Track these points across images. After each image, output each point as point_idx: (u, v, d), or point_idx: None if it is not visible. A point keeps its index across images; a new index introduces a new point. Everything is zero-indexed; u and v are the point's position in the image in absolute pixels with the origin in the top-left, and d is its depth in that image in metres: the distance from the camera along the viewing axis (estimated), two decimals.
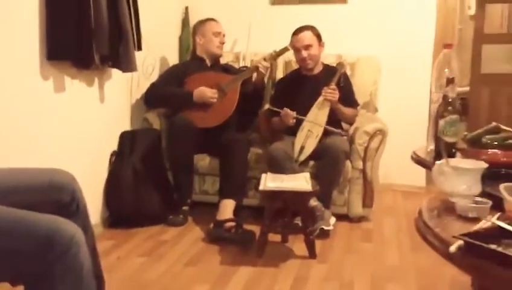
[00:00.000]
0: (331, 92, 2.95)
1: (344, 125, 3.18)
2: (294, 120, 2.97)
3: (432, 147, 1.77)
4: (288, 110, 2.97)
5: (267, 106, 3.16)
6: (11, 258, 1.15)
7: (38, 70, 2.34)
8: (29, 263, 1.15)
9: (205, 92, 3.09)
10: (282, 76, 3.48)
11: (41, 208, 1.25)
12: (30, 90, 2.30)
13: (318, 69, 3.16)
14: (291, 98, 3.08)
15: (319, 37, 3.10)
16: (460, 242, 0.98)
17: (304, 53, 3.06)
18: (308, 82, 3.12)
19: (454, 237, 0.99)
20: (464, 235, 0.99)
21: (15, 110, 2.19)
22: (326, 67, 3.19)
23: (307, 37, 3.06)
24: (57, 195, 1.48)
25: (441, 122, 1.68)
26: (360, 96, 3.27)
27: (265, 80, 3.33)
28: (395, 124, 3.30)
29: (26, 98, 2.26)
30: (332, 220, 2.89)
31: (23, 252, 1.14)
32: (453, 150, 1.68)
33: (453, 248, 0.97)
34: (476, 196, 1.25)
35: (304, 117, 2.98)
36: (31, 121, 2.30)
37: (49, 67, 2.40)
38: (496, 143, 1.75)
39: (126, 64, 2.81)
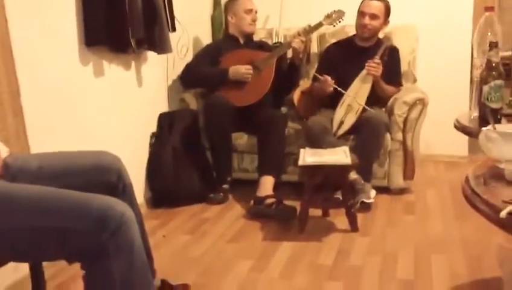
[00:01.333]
0: (374, 66, 2.90)
1: None
2: (332, 88, 2.95)
3: (476, 114, 1.72)
4: (328, 78, 2.95)
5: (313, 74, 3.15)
6: (67, 237, 1.20)
7: (78, 56, 2.40)
8: (84, 241, 1.19)
9: (240, 68, 3.10)
10: (316, 51, 3.43)
11: (90, 189, 1.29)
12: (71, 76, 2.36)
13: (371, 42, 3.09)
14: (337, 65, 3.04)
15: (388, 12, 3.02)
16: (510, 207, 0.96)
17: (367, 20, 2.98)
18: (357, 53, 3.06)
19: (504, 201, 0.98)
20: None
21: (59, 96, 2.25)
22: (378, 40, 3.11)
23: (376, 6, 2.98)
24: (104, 176, 1.53)
25: (485, 88, 1.63)
26: None
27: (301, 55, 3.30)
28: (435, 93, 3.21)
29: (68, 84, 2.32)
30: (373, 193, 2.87)
31: (78, 231, 1.19)
32: (498, 116, 1.64)
33: (503, 213, 0.96)
34: None
35: (343, 90, 2.94)
36: (74, 105, 2.36)
37: (88, 53, 2.45)
38: None
39: (161, 46, 2.84)
